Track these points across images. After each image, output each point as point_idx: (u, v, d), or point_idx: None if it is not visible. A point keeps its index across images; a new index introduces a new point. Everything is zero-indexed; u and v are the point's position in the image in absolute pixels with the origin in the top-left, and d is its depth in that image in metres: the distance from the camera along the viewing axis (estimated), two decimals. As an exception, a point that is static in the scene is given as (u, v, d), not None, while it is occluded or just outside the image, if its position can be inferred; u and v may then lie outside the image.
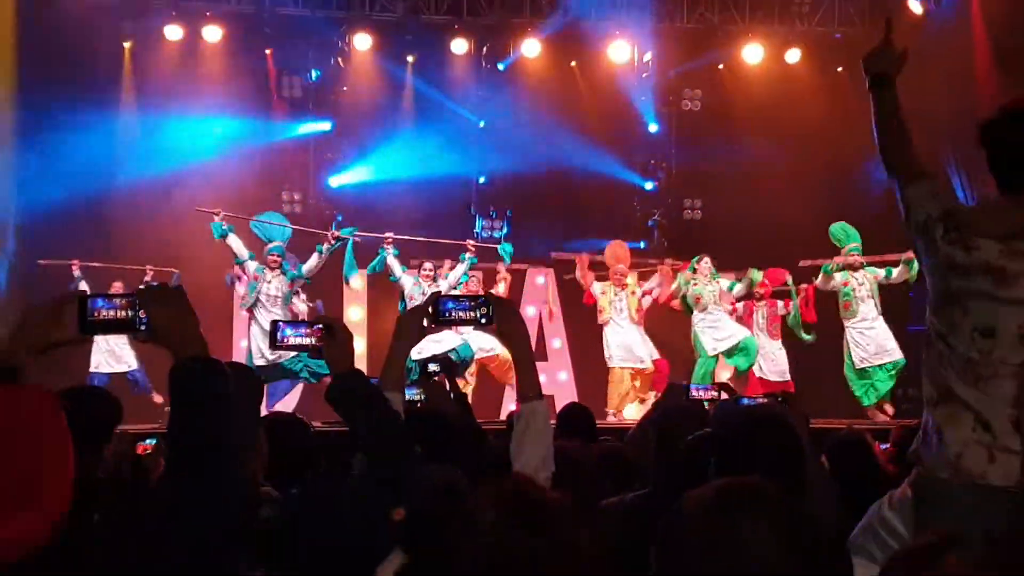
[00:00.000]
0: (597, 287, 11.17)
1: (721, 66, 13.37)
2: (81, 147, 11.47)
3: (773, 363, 11.10)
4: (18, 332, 2.07)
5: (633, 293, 11.15)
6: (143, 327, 2.05)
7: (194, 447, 1.89)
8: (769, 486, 1.44)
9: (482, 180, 13.40)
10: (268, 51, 12.73)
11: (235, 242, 10.05)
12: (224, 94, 12.56)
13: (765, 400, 4.34)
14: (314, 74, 13.02)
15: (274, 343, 2.55)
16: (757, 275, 11.01)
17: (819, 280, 10.64)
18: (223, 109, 12.53)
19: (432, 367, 5.16)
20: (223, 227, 10.01)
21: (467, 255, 10.79)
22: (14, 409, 1.69)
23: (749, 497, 1.42)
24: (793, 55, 13.14)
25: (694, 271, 10.99)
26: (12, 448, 1.65)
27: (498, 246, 11.29)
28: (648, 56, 13.39)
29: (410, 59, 13.06)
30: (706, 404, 4.71)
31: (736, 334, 10.87)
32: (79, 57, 11.77)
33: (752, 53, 13.11)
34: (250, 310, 10.01)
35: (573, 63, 13.37)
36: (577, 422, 4.80)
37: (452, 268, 10.87)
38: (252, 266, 10.03)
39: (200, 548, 1.83)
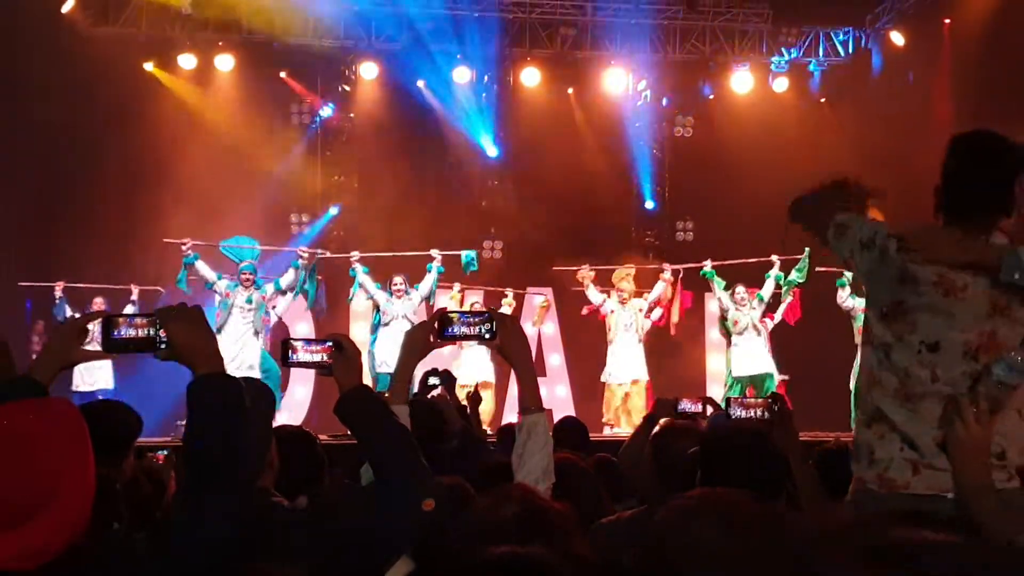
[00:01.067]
0: (608, 304, 11.54)
1: (712, 95, 13.91)
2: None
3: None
4: (47, 350, 2.26)
5: (640, 310, 11.50)
6: (163, 345, 2.10)
7: (211, 460, 1.92)
8: (741, 497, 1.48)
9: (484, 204, 13.89)
10: (283, 73, 13.16)
11: (203, 268, 10.28)
12: (235, 120, 12.99)
13: (758, 403, 4.34)
14: (327, 108, 13.48)
15: (285, 360, 2.49)
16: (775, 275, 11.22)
17: (839, 296, 11.03)
18: (234, 134, 12.92)
19: (432, 380, 5.14)
20: (190, 256, 10.18)
21: (434, 264, 10.97)
22: (39, 420, 1.73)
23: (717, 507, 1.44)
24: (780, 84, 13.71)
25: (734, 301, 11.19)
26: (35, 458, 1.68)
27: (461, 253, 11.37)
28: (643, 84, 13.93)
29: (420, 84, 13.51)
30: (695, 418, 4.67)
31: (763, 367, 11.14)
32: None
33: (741, 82, 13.67)
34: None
35: (570, 90, 13.87)
36: (570, 434, 4.94)
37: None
38: (223, 285, 10.29)
39: (215, 557, 1.87)
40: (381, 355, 10.66)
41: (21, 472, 1.66)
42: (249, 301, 10.29)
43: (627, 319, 11.47)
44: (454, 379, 4.68)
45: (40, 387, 2.11)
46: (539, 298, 12.64)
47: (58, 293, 10.95)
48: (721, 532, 1.39)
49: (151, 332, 2.12)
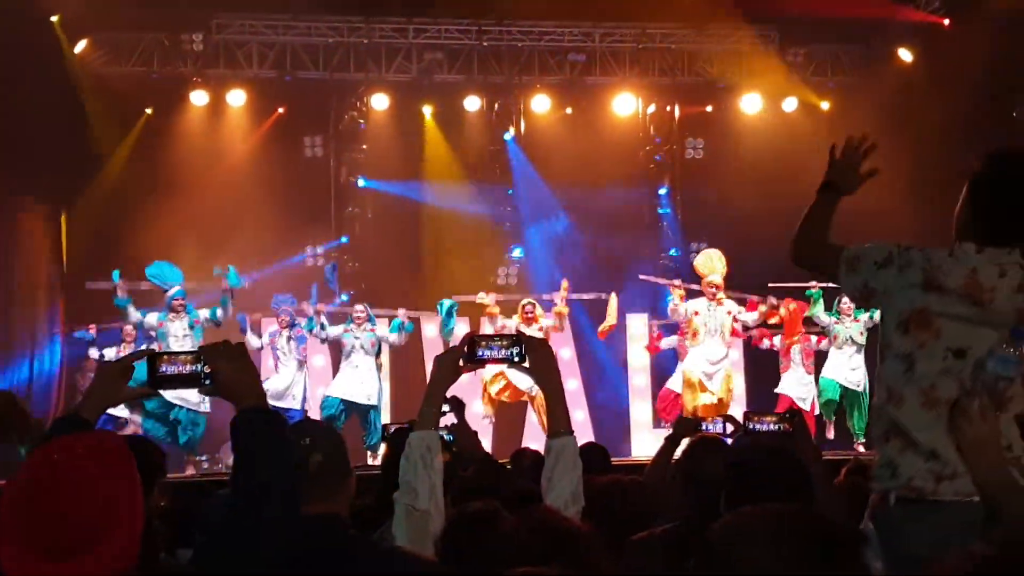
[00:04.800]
0: (692, 305, 10.60)
1: (722, 117, 13.89)
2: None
3: (807, 390, 11.11)
4: (93, 390, 2.30)
5: (729, 313, 10.54)
6: (207, 381, 2.15)
7: (255, 491, 1.97)
8: (784, 508, 1.53)
9: (507, 225, 13.99)
10: (281, 109, 13.26)
11: (132, 312, 10.33)
12: (248, 154, 13.11)
13: (775, 419, 4.34)
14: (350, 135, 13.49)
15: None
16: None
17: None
18: (247, 168, 13.00)
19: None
20: (123, 299, 10.28)
21: (402, 323, 10.85)
22: (90, 454, 1.77)
23: (767, 519, 1.48)
24: (789, 104, 13.73)
25: (839, 311, 10.79)
26: (89, 490, 1.72)
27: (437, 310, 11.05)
28: (652, 108, 13.97)
29: (427, 115, 13.59)
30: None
31: (858, 381, 10.65)
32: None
33: (750, 103, 13.71)
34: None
35: (578, 116, 13.86)
36: (592, 458, 4.73)
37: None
38: (153, 318, 10.27)
39: None
40: (340, 385, 10.54)
41: (76, 504, 1.69)
42: (183, 330, 10.17)
43: (715, 322, 10.43)
44: (463, 405, 4.66)
45: (87, 425, 2.16)
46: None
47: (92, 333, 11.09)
48: (783, 544, 1.44)
49: (196, 368, 2.18)
